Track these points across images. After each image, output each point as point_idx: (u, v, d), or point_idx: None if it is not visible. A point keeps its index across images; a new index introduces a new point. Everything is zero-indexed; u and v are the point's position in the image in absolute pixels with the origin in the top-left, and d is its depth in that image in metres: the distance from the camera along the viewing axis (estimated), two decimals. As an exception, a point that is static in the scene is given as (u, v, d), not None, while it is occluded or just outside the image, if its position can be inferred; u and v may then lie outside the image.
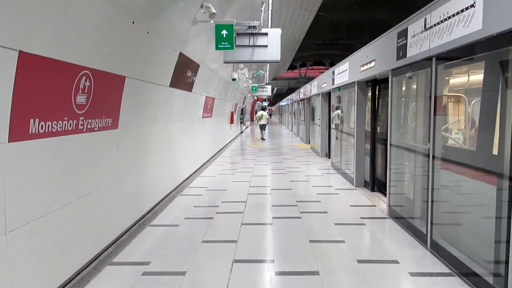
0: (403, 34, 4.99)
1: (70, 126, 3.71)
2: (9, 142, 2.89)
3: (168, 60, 6.64)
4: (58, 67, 3.37)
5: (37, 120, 3.19)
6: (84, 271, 3.99)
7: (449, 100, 4.54)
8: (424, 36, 4.36)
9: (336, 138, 10.66)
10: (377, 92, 7.19)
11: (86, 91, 3.91)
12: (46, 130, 3.34)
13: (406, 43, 4.90)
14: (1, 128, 2.81)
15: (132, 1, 4.37)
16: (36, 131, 3.20)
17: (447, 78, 4.46)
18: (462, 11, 3.49)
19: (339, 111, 10.13)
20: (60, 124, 3.53)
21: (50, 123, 3.37)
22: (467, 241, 3.86)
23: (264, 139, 20.57)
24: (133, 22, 4.57)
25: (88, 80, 3.92)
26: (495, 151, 3.43)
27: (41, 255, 3.38)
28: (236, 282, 3.75)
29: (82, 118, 3.93)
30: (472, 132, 4.15)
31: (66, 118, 3.62)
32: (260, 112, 21.68)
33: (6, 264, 2.91)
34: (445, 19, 3.82)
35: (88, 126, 4.10)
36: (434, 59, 4.22)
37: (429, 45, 4.23)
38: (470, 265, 3.61)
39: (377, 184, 7.38)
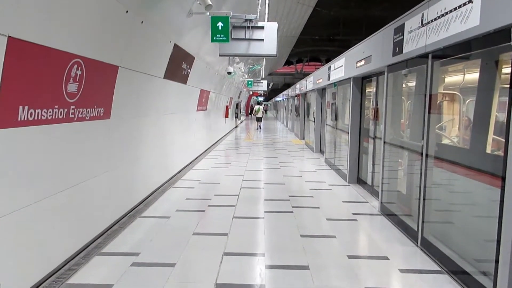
0: (400, 30, 4.97)
1: (60, 115, 3.65)
2: (-3, 128, 2.84)
3: (163, 51, 6.57)
4: (48, 54, 3.31)
5: (26, 107, 3.13)
6: (72, 260, 3.95)
7: (444, 98, 4.52)
8: (420, 32, 4.33)
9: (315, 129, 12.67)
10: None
11: (77, 80, 3.85)
12: (36, 118, 3.28)
13: (403, 39, 4.87)
14: (-11, 114, 2.76)
15: (127, -11, 4.30)
16: (25, 119, 3.15)
17: (443, 75, 4.44)
18: (459, 6, 3.46)
19: None
20: (50, 112, 3.47)
21: (40, 110, 3.31)
22: (458, 239, 3.86)
23: (260, 128, 25.07)
24: (127, 11, 4.50)
25: (79, 68, 3.85)
26: (488, 150, 3.42)
27: (28, 244, 3.34)
28: (226, 275, 3.73)
29: (73, 106, 3.87)
30: (466, 131, 4.15)
31: (56, 106, 3.56)
32: (257, 106, 26.90)
33: (-9, 253, 2.87)
34: (442, 15, 3.79)
35: (79, 115, 4.04)
36: (430, 55, 4.19)
37: (425, 41, 4.20)
38: (460, 263, 3.61)
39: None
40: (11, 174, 3.08)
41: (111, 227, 4.99)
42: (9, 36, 2.78)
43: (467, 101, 4.32)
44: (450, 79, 4.64)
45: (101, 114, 4.58)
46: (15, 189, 3.13)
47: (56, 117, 3.58)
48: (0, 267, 2.94)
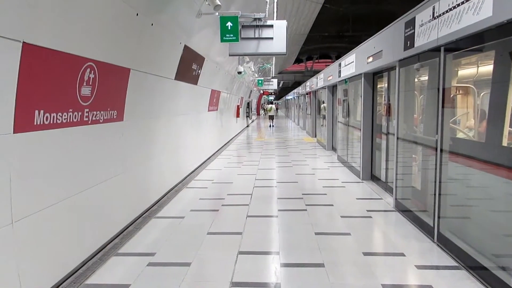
0: (411, 23, 4.92)
1: (75, 118, 3.71)
2: (14, 133, 2.89)
3: (173, 52, 6.61)
4: (62, 59, 3.36)
5: (42, 111, 3.19)
6: (90, 261, 4.01)
7: (457, 92, 4.47)
8: (432, 25, 4.28)
9: (322, 125, 13.73)
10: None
11: (90, 83, 3.90)
12: (51, 122, 3.33)
13: (414, 32, 4.82)
14: (6, 119, 2.81)
15: (136, -8, 4.34)
16: (41, 123, 3.20)
17: (456, 68, 4.38)
18: (471, -2, 3.41)
19: (324, 105, 13.44)
20: (65, 115, 3.52)
21: (55, 114, 3.37)
22: (475, 234, 3.81)
23: (272, 126, 26.60)
24: (137, 14, 4.54)
25: (92, 72, 3.90)
26: (504, 143, 3.37)
27: (47, 245, 3.39)
28: (241, 274, 3.74)
29: (87, 110, 3.93)
30: (481, 124, 4.09)
31: (71, 110, 3.62)
32: (269, 105, 30.37)
33: (12, 254, 2.93)
34: (454, 7, 3.74)
35: (93, 118, 4.10)
36: (442, 48, 4.14)
37: (437, 34, 4.15)
38: (478, 259, 3.56)
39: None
40: (29, 177, 3.14)
41: (127, 228, 5.05)
42: (23, 42, 2.83)
43: (481, 94, 4.25)
44: (464, 72, 4.58)
45: (115, 117, 4.64)
46: (33, 191, 3.19)
47: (71, 120, 3.63)
48: (21, 268, 2.99)
